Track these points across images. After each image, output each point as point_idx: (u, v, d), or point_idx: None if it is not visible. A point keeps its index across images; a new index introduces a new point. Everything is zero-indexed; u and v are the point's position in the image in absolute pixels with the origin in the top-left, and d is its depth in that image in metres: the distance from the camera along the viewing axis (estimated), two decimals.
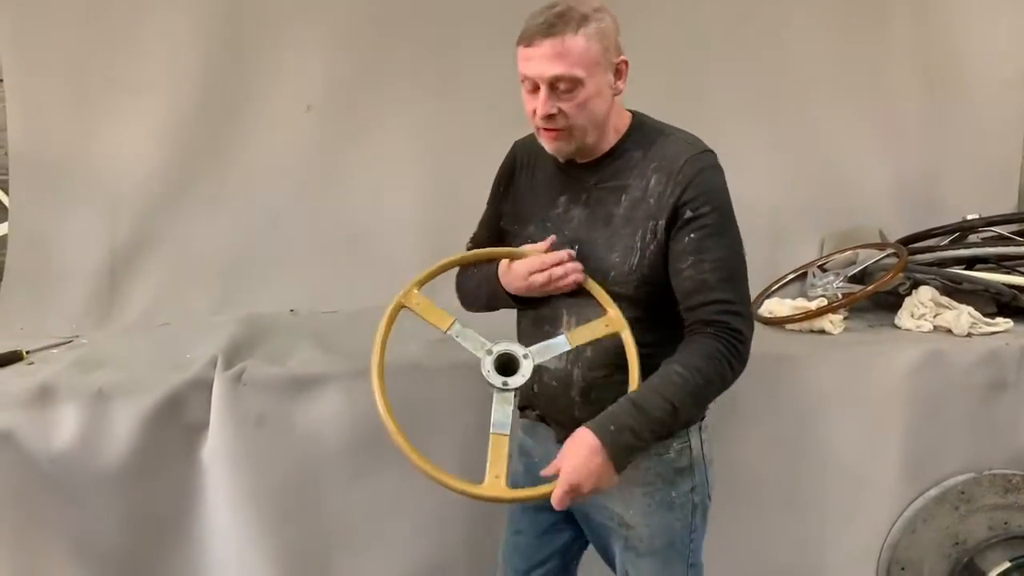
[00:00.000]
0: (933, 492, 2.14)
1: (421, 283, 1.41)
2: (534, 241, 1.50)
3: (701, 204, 1.38)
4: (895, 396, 2.09)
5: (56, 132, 2.59)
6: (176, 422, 1.92)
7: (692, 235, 1.38)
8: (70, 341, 2.31)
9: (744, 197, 2.77)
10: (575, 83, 1.35)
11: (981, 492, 2.14)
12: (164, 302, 2.56)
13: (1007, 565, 2.12)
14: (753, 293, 2.58)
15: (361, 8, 2.67)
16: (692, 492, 1.53)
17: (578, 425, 1.33)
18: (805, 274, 2.62)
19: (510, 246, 1.55)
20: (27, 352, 2.15)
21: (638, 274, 1.41)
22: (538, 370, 1.38)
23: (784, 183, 2.80)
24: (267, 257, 2.63)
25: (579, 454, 1.27)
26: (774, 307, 2.41)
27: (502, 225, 1.61)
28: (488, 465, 1.24)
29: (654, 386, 1.32)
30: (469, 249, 1.62)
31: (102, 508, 1.92)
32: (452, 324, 1.36)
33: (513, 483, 1.38)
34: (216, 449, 1.93)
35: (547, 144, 1.43)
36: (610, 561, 1.62)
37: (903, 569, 2.16)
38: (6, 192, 2.61)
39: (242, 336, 2.21)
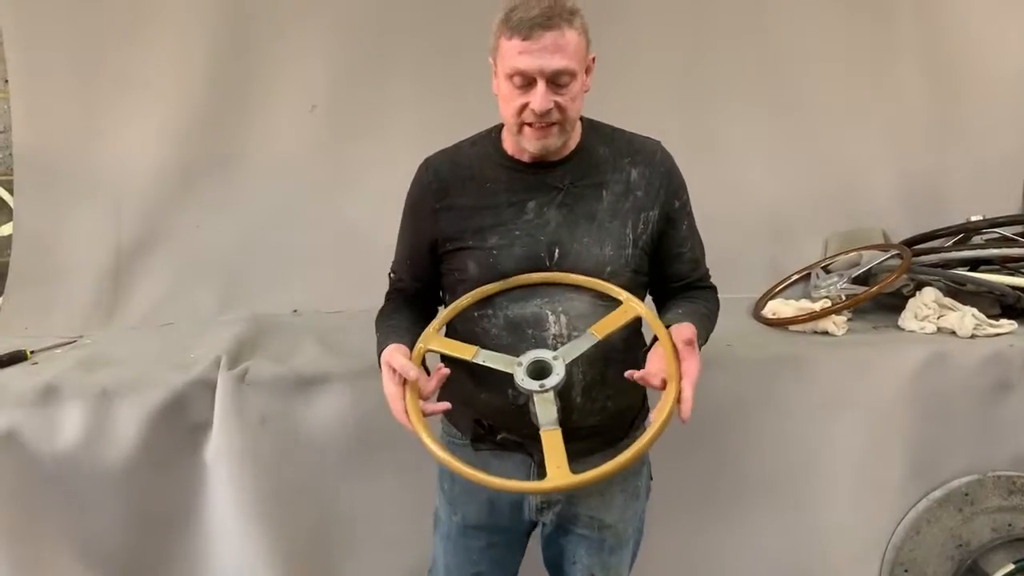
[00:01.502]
0: (937, 494, 2.14)
1: (439, 327, 1.47)
2: (499, 253, 1.42)
3: (683, 192, 1.51)
4: (899, 398, 2.09)
5: (61, 132, 2.59)
6: (180, 422, 1.93)
7: (685, 223, 1.51)
8: (74, 341, 2.31)
9: (748, 197, 2.84)
10: (572, 76, 1.33)
11: (985, 494, 2.14)
12: (168, 302, 2.56)
13: (1011, 567, 2.12)
14: (757, 294, 2.61)
15: (365, 8, 2.68)
16: (648, 476, 1.62)
17: (574, 429, 1.31)
18: (809, 275, 2.62)
19: (452, 268, 1.48)
20: (31, 352, 2.16)
21: (633, 264, 1.45)
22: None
23: (788, 184, 2.80)
24: (271, 257, 2.64)
25: (697, 360, 1.32)
26: (778, 308, 2.41)
27: (449, 247, 1.47)
28: (546, 460, 1.24)
29: (698, 311, 1.46)
30: (392, 281, 1.60)
31: (106, 507, 1.92)
32: (476, 352, 1.39)
33: (473, 525, 1.55)
34: (219, 448, 1.93)
35: (532, 141, 1.37)
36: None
37: (906, 571, 2.16)
38: (11, 192, 2.62)
39: (246, 336, 2.21)
